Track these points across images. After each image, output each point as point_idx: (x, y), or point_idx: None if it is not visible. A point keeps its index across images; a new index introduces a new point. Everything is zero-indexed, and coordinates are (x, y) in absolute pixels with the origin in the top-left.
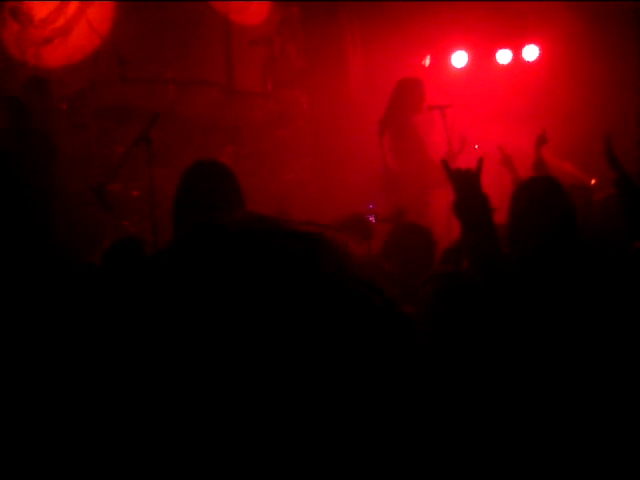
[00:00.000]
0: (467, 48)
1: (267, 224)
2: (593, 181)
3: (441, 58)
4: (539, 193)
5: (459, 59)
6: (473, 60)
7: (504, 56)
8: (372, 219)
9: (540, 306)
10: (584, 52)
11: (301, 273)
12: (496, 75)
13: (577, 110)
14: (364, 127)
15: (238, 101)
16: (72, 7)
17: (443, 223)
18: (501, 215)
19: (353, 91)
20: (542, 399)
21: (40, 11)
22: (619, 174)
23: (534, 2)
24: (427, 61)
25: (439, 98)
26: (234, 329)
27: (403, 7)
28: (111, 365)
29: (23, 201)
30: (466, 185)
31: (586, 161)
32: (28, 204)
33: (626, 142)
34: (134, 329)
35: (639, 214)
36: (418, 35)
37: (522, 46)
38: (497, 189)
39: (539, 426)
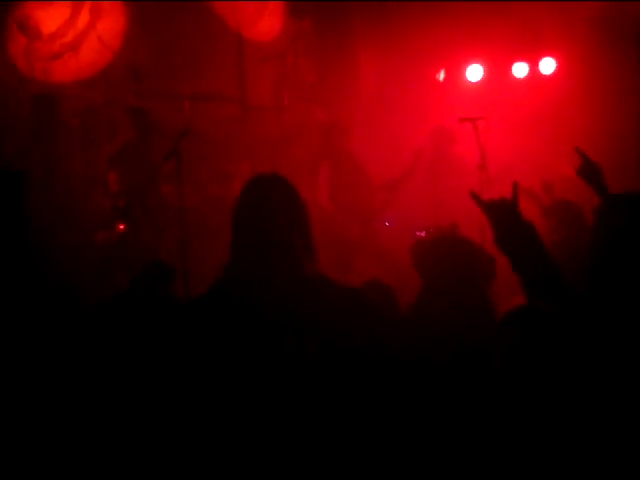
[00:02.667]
0: (482, 61)
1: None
2: None
3: (456, 72)
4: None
5: (474, 73)
6: (489, 74)
7: (520, 69)
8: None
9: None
10: (601, 66)
11: None
12: (513, 88)
13: (593, 124)
14: (377, 141)
15: (253, 116)
16: (82, 21)
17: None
18: None
19: (367, 105)
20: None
21: (49, 25)
22: (603, 199)
23: (550, 15)
24: (442, 75)
25: (468, 111)
26: None
27: (417, 20)
28: None
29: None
30: (504, 215)
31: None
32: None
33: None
34: None
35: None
36: (432, 49)
37: (539, 59)
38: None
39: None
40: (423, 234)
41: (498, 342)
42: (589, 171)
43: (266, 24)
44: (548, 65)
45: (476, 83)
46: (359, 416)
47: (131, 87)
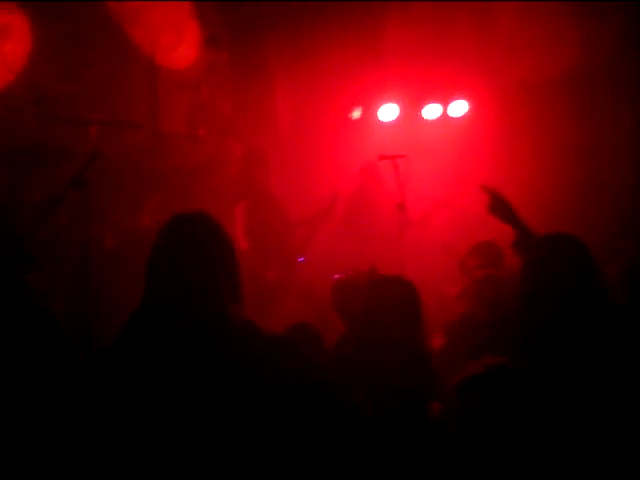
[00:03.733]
0: (397, 101)
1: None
2: None
3: (371, 110)
4: (558, 252)
5: (388, 112)
6: (403, 113)
7: (433, 110)
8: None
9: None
10: (512, 109)
11: None
12: (427, 128)
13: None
14: (295, 178)
15: (166, 145)
16: None
17: None
18: None
19: (283, 141)
20: None
21: None
22: (519, 231)
23: (462, 58)
24: (357, 113)
25: (385, 149)
26: None
27: (332, 58)
28: None
29: None
30: None
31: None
32: None
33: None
34: None
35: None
36: (348, 86)
37: (450, 101)
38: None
39: None
40: (341, 276)
41: (454, 406)
42: (500, 207)
43: (182, 52)
44: (459, 107)
45: (391, 122)
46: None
47: (32, 110)
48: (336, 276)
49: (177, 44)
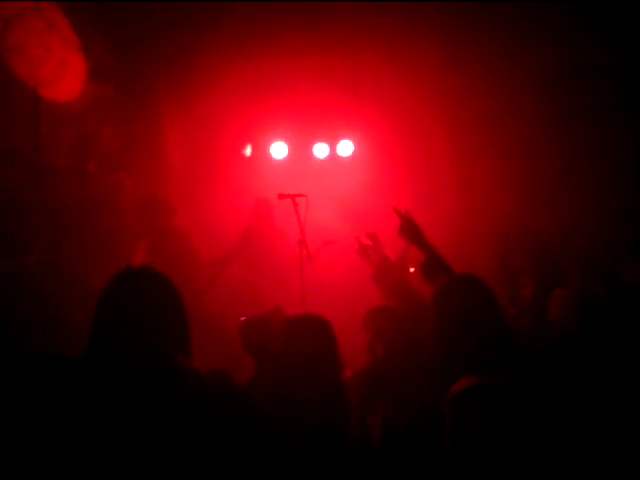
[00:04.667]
0: (286, 139)
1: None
2: (412, 269)
3: (262, 148)
4: (462, 296)
5: (278, 150)
6: (293, 151)
7: (321, 150)
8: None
9: None
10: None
11: None
12: (316, 168)
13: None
14: (185, 214)
15: (52, 181)
16: None
17: None
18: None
19: (174, 176)
20: None
21: None
22: (427, 254)
23: (349, 98)
24: (248, 150)
25: (277, 187)
26: None
27: (222, 94)
28: None
29: None
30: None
31: None
32: None
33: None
34: None
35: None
36: (237, 124)
37: (337, 141)
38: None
39: None
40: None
41: (449, 421)
42: (409, 230)
43: (66, 84)
44: (346, 147)
45: (282, 160)
46: None
47: None
48: (243, 318)
49: (61, 76)
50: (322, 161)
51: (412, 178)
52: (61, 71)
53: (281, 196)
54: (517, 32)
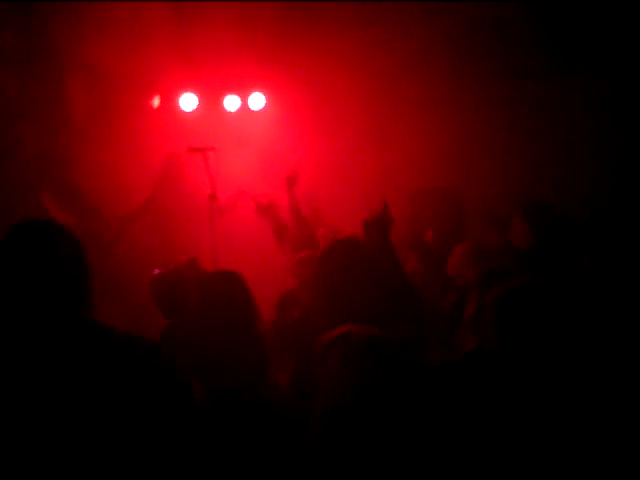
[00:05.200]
0: (196, 91)
1: None
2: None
3: (170, 100)
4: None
5: (188, 102)
6: (203, 104)
7: (232, 102)
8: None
9: None
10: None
11: None
12: (231, 120)
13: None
14: (98, 169)
15: None
16: None
17: None
18: None
19: (77, 128)
20: None
21: None
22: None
23: (261, 50)
24: (156, 101)
25: (189, 140)
26: None
27: (128, 43)
28: None
29: None
30: None
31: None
32: None
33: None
34: None
35: None
36: (147, 73)
37: (249, 94)
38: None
39: None
40: (161, 271)
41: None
42: (383, 221)
43: None
44: (257, 100)
45: (192, 112)
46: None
47: None
48: (156, 271)
49: None
50: (233, 114)
51: (326, 133)
52: None
53: (191, 149)
54: None
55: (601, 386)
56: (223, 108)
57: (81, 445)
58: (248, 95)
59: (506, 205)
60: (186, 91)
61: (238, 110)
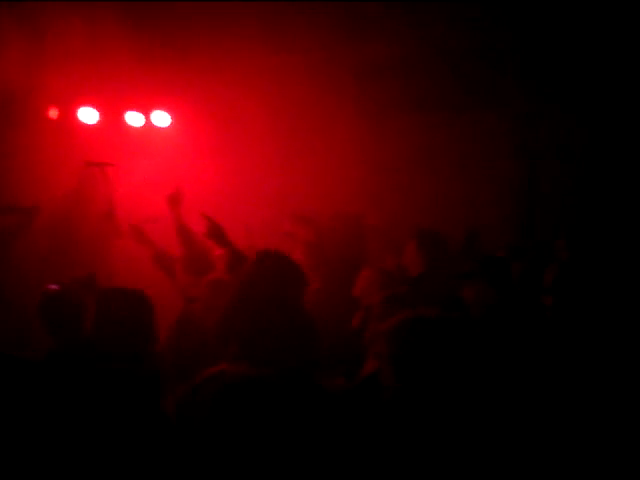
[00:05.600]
0: (96, 106)
1: None
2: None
3: (70, 112)
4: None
5: (88, 115)
6: (105, 119)
7: (135, 119)
8: None
9: None
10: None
11: None
12: (131, 136)
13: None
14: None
15: None
16: None
17: None
18: None
19: None
20: None
21: None
22: (232, 254)
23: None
24: (53, 113)
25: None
26: None
27: (26, 54)
28: None
29: None
30: None
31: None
32: None
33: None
34: None
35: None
36: (46, 86)
37: (152, 110)
38: None
39: None
40: (56, 287)
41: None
42: (216, 233)
43: None
44: (161, 118)
45: (93, 126)
46: None
47: None
48: (51, 286)
49: None
50: (138, 129)
51: (231, 152)
52: None
53: (89, 164)
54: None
55: (492, 421)
56: (126, 123)
57: None
58: (150, 112)
59: (404, 232)
60: (86, 105)
61: (143, 125)
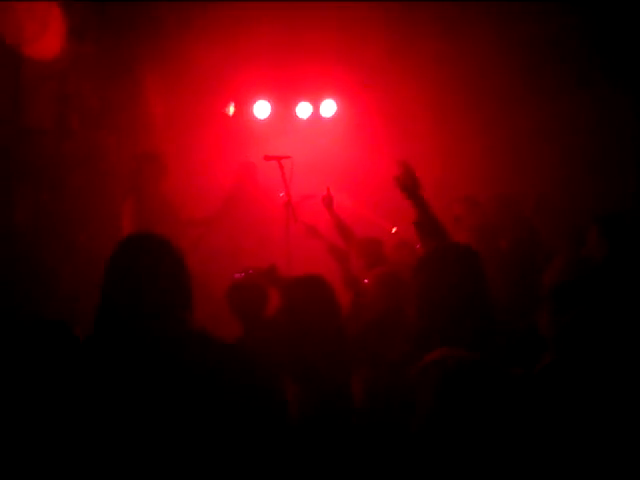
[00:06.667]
0: (269, 99)
1: None
2: (394, 229)
3: (245, 107)
4: (450, 262)
5: (261, 109)
6: (276, 111)
7: (304, 109)
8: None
9: None
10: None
11: None
12: (299, 128)
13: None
14: (177, 176)
15: (33, 141)
16: None
17: None
18: None
19: (155, 136)
20: None
21: None
22: (420, 210)
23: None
24: (231, 109)
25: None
26: None
27: (202, 53)
28: None
29: None
30: None
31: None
32: None
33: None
34: None
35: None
36: (221, 81)
37: (321, 100)
38: None
39: None
40: (241, 276)
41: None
42: (408, 182)
43: (47, 43)
44: (328, 107)
45: (264, 120)
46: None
47: None
48: (237, 275)
49: (42, 34)
50: (305, 121)
51: (394, 139)
52: (42, 29)
53: (267, 158)
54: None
55: None
56: (295, 115)
57: (179, 441)
58: (320, 102)
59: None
60: (260, 98)
61: (309, 117)
